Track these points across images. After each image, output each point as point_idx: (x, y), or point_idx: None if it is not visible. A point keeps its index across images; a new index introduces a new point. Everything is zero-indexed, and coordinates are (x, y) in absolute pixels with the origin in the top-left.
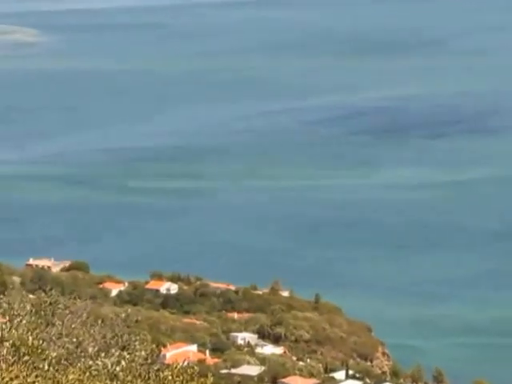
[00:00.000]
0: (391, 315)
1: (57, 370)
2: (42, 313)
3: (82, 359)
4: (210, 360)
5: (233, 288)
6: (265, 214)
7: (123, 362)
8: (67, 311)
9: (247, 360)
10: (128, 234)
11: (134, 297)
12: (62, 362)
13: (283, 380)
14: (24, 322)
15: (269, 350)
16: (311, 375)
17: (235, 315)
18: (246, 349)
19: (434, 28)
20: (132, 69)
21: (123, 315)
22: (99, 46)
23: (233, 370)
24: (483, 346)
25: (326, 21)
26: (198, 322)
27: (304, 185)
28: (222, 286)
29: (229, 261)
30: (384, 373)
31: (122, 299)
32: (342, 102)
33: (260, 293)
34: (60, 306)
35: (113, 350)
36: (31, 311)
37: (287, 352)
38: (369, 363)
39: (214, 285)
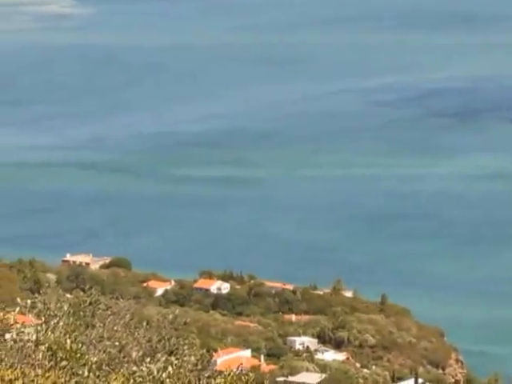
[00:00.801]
0: (465, 318)
1: (98, 377)
2: (81, 314)
3: (125, 365)
4: (264, 367)
5: (290, 287)
6: (321, 205)
7: (170, 368)
8: (109, 312)
9: (306, 367)
10: (173, 227)
11: (181, 297)
12: (103, 367)
13: None
14: (61, 323)
15: (330, 356)
16: None
17: (293, 317)
18: (304, 354)
19: None
20: (173, 44)
21: (170, 316)
22: (138, 20)
23: (290, 378)
24: None
25: None
26: (251, 325)
27: (364, 174)
28: (278, 285)
29: (285, 257)
30: (457, 382)
31: (167, 299)
32: (406, 83)
33: (320, 293)
34: (101, 306)
35: (159, 355)
36: (69, 312)
37: (350, 358)
38: (440, 371)
39: (269, 284)
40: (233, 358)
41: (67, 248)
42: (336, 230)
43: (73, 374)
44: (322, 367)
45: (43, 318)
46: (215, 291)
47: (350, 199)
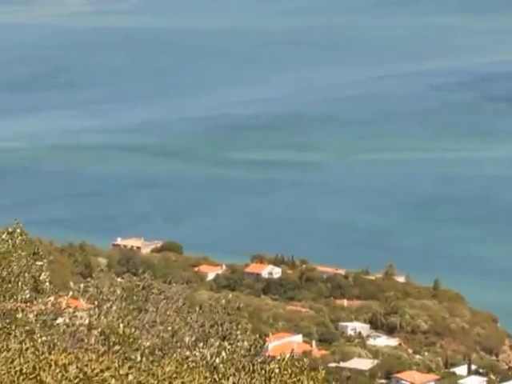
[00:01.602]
0: None
1: (151, 362)
2: (134, 298)
3: (178, 349)
4: (316, 352)
5: (342, 272)
6: (374, 189)
7: (224, 354)
8: (162, 296)
9: (358, 352)
10: (224, 210)
11: (232, 281)
12: (156, 352)
13: (398, 375)
14: (114, 308)
15: (382, 341)
16: (429, 370)
17: (345, 302)
18: (356, 340)
19: None
20: (225, 28)
21: (223, 301)
22: (191, 3)
23: (342, 364)
24: None
25: None
26: (303, 310)
27: (417, 157)
28: (330, 270)
29: (336, 241)
30: (511, 368)
31: (219, 284)
32: (460, 66)
33: (373, 278)
34: (154, 290)
35: (212, 340)
36: (122, 296)
37: (403, 344)
38: (494, 358)
39: (320, 268)
40: (284, 343)
41: (118, 232)
42: (389, 215)
43: (125, 358)
44: (374, 353)
45: (96, 303)
46: (266, 276)
47: (403, 183)
